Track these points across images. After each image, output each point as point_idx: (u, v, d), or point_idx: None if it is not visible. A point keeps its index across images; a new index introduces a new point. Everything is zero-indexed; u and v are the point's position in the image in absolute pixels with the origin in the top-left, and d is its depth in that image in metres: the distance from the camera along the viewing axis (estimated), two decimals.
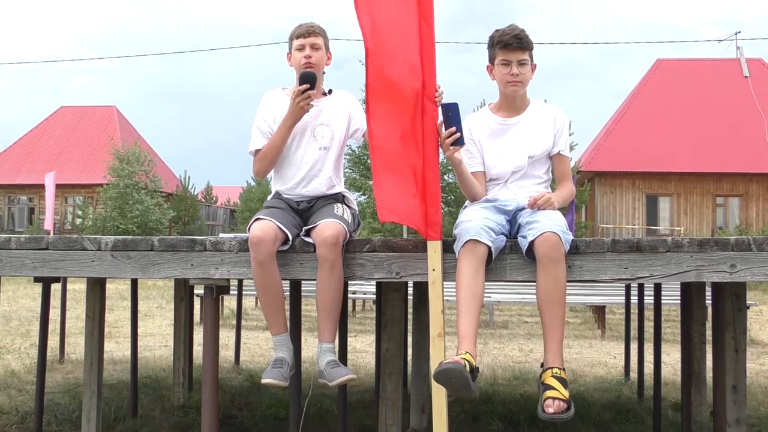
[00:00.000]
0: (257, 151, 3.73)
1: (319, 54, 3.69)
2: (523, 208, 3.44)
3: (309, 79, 3.49)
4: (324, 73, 3.82)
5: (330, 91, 3.81)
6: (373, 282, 7.55)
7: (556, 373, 3.06)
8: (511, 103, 3.62)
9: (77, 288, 12.46)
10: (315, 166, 3.70)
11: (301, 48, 3.67)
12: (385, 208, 3.31)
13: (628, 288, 7.07)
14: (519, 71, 3.50)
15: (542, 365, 3.16)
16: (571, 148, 22.72)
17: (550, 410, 2.95)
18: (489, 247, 3.15)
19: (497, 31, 3.56)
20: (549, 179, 3.72)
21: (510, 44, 3.47)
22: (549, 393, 2.99)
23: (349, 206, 3.72)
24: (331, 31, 3.80)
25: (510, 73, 3.50)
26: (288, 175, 3.74)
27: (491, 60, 3.60)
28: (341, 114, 3.77)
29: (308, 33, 3.68)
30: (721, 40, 32.90)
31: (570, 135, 22.84)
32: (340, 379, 3.27)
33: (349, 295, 8.54)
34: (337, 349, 3.48)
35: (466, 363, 2.92)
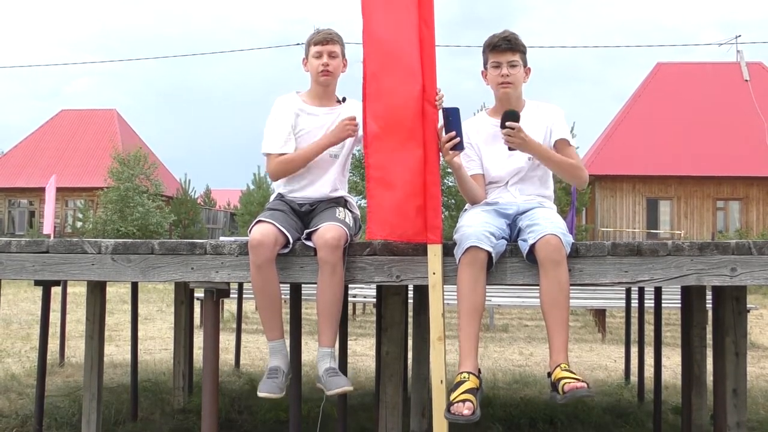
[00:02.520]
0: (276, 154, 3.68)
1: (336, 62, 3.72)
2: (523, 212, 3.44)
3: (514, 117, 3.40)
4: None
5: (344, 99, 3.83)
6: (374, 285, 7.55)
7: (565, 367, 3.05)
8: (506, 105, 3.61)
9: (77, 291, 12.45)
10: (322, 172, 3.72)
11: (319, 55, 3.69)
12: (376, 226, 3.31)
13: (628, 291, 7.07)
14: (509, 72, 3.52)
15: (549, 374, 3.15)
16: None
17: (569, 386, 2.93)
18: (489, 253, 3.15)
19: (490, 36, 3.59)
20: (549, 180, 3.72)
21: (499, 46, 3.51)
22: (565, 381, 2.97)
23: (350, 210, 3.73)
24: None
25: (500, 74, 3.52)
26: (294, 178, 3.74)
27: (484, 65, 3.64)
28: None
29: (326, 40, 3.70)
30: (722, 44, 32.84)
31: (572, 138, 22.93)
32: (337, 390, 3.27)
33: (350, 299, 8.53)
34: (337, 353, 3.48)
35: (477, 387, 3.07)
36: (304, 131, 3.72)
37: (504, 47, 3.50)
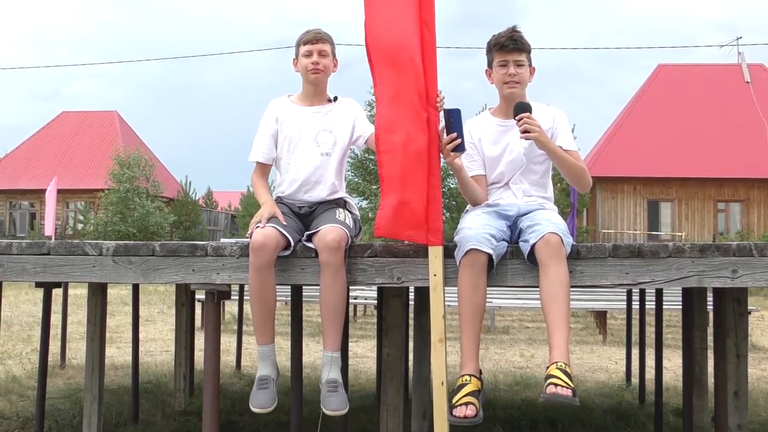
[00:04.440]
0: (256, 162, 3.81)
1: (326, 60, 3.71)
2: (524, 213, 3.44)
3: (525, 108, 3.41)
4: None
5: (335, 98, 3.82)
6: (374, 287, 7.56)
7: (561, 366, 2.97)
8: (510, 105, 3.59)
9: (78, 293, 12.45)
10: (316, 172, 3.70)
11: (309, 54, 3.69)
12: (383, 225, 3.32)
13: (629, 293, 7.06)
14: (516, 71, 3.51)
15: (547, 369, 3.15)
16: None
17: (551, 389, 2.87)
18: (490, 255, 3.15)
19: (494, 35, 3.59)
20: (549, 183, 3.72)
21: (506, 45, 3.50)
22: (551, 380, 2.91)
23: (350, 211, 3.72)
24: (332, 35, 3.81)
25: (507, 74, 3.52)
26: (288, 181, 3.74)
27: (489, 64, 3.62)
28: (345, 121, 3.77)
29: (316, 39, 3.70)
30: (723, 46, 32.99)
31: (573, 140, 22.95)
32: (332, 413, 3.30)
33: (350, 300, 8.52)
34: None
35: (479, 389, 3.09)
36: (292, 132, 3.73)
37: (511, 47, 3.50)
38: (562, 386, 2.88)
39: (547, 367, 3.06)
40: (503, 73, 3.53)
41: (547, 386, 2.90)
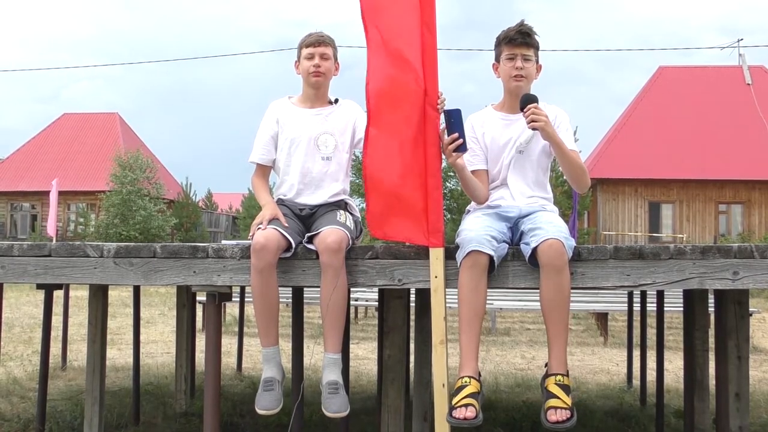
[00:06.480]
0: (256, 163, 3.82)
1: (328, 64, 3.71)
2: (525, 215, 3.44)
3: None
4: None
5: (336, 101, 3.82)
6: (376, 289, 7.55)
7: (559, 380, 3.09)
8: (515, 99, 3.56)
9: (79, 295, 12.45)
10: (317, 176, 3.69)
11: (311, 57, 3.69)
12: (377, 225, 3.34)
13: (630, 295, 7.06)
14: (523, 65, 3.51)
15: (546, 368, 3.19)
16: None
17: (553, 418, 3.00)
18: (491, 257, 3.15)
19: (504, 30, 3.59)
20: (547, 184, 3.71)
21: (515, 39, 3.50)
22: (551, 402, 3.05)
23: (351, 213, 3.71)
24: (333, 38, 3.81)
25: (514, 67, 3.51)
26: (288, 184, 3.74)
27: (497, 57, 3.61)
28: (346, 124, 3.77)
29: (318, 42, 3.70)
30: (724, 47, 33.06)
31: (575, 142, 22.97)
32: (333, 415, 3.31)
33: (351, 302, 8.53)
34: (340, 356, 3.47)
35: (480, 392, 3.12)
36: (292, 134, 3.72)
37: (520, 41, 3.50)
38: (561, 408, 3.02)
39: (546, 377, 3.13)
40: (510, 66, 3.53)
41: (547, 410, 3.04)
